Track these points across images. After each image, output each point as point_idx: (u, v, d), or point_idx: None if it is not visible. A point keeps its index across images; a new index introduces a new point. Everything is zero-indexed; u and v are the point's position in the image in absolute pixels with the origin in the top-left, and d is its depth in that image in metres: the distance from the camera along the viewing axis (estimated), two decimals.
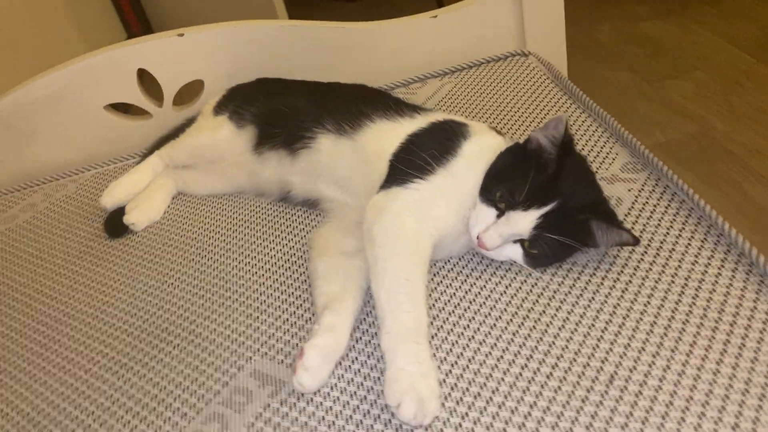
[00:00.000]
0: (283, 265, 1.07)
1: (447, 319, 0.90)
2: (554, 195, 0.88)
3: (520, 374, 0.80)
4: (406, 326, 0.83)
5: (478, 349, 0.84)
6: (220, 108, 1.30)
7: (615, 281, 0.88)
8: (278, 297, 1.00)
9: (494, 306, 0.90)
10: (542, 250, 0.90)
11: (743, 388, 0.71)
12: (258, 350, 0.92)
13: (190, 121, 1.37)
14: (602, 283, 0.88)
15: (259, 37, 1.45)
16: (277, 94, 1.27)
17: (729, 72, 2.60)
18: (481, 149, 1.00)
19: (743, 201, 1.98)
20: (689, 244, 0.90)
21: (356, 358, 0.87)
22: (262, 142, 1.20)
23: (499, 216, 0.90)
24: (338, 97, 1.21)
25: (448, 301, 0.92)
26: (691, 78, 2.63)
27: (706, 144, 2.26)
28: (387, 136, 1.06)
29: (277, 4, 3.22)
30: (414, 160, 0.98)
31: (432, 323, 0.89)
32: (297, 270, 1.05)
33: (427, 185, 0.96)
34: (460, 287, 0.94)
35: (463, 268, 0.98)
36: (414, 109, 1.13)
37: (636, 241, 0.87)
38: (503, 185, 0.91)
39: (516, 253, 0.92)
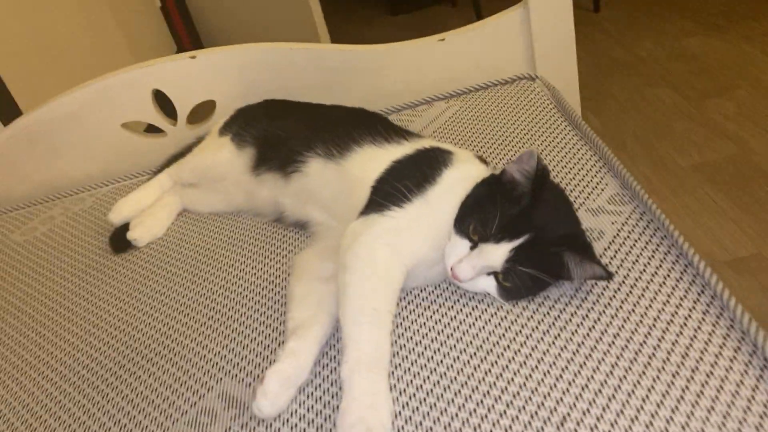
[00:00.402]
0: (267, 287, 1.09)
1: (413, 349, 0.90)
2: (527, 228, 0.87)
3: (474, 410, 0.79)
4: (366, 356, 0.83)
5: (438, 381, 0.84)
6: (224, 129, 1.34)
7: (584, 318, 0.87)
8: (257, 318, 1.03)
9: (461, 338, 0.89)
10: (515, 283, 0.89)
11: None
12: (229, 372, 0.94)
13: (200, 140, 1.41)
14: (570, 320, 0.87)
15: (270, 59, 1.49)
16: (277, 117, 1.30)
17: None
18: (460, 178, 0.99)
19: None
20: (664, 282, 0.88)
21: (320, 385, 0.88)
22: (260, 164, 1.23)
23: (472, 248, 0.90)
24: (331, 121, 1.23)
25: (417, 330, 0.93)
26: (733, 97, 2.55)
27: (743, 166, 2.18)
28: (372, 161, 1.07)
29: (317, 21, 3.29)
30: (394, 187, 0.99)
31: (398, 353, 0.90)
32: (279, 292, 1.07)
33: (404, 213, 0.96)
34: (431, 317, 0.94)
35: (438, 297, 0.98)
36: (403, 135, 1.13)
37: (609, 276, 0.85)
38: (475, 217, 0.90)
39: (490, 285, 0.92)
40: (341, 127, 1.17)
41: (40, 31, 2.18)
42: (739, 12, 3.16)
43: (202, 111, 1.56)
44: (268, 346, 0.97)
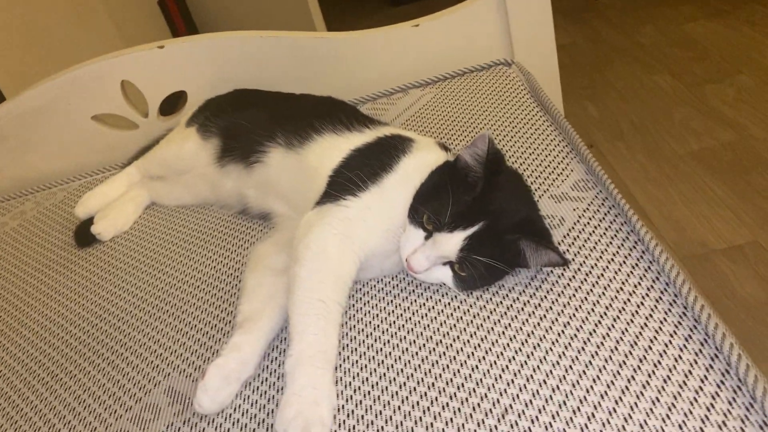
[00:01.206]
0: (225, 280, 1.06)
1: (363, 341, 0.87)
2: (480, 215, 0.83)
3: (417, 403, 0.76)
4: (311, 350, 0.80)
5: (384, 374, 0.81)
6: (191, 120, 1.31)
7: (536, 306, 0.83)
8: (211, 312, 1.00)
9: (411, 329, 0.86)
10: (470, 273, 0.86)
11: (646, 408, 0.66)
12: (178, 366, 0.92)
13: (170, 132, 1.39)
14: (523, 309, 0.84)
15: (240, 48, 1.46)
16: (244, 107, 1.27)
17: None
18: (417, 166, 0.96)
19: None
20: (619, 269, 0.84)
21: (266, 380, 0.86)
22: (224, 155, 1.20)
23: (427, 238, 0.87)
24: (295, 110, 1.20)
25: (369, 322, 0.90)
26: (733, 82, 2.48)
27: (742, 153, 2.13)
28: (331, 150, 1.04)
29: (313, 11, 3.26)
30: (350, 176, 0.96)
31: (347, 345, 0.87)
32: (236, 285, 1.04)
33: (358, 202, 0.93)
34: (384, 308, 0.91)
35: (393, 288, 0.94)
36: (366, 123, 1.10)
37: (565, 262, 0.82)
38: (429, 206, 0.87)
39: (446, 275, 0.88)
40: (304, 116, 1.14)
41: (30, 24, 2.18)
42: None
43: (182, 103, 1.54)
44: (220, 340, 0.95)
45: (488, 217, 0.83)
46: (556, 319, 0.80)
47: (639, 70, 2.75)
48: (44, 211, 1.43)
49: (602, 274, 0.84)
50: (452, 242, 0.84)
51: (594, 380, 0.72)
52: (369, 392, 0.79)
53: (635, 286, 0.81)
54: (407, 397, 0.77)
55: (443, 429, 0.72)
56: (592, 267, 0.86)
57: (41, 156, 1.52)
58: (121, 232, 1.27)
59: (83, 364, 0.97)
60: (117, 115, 1.50)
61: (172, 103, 1.57)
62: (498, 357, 0.78)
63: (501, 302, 0.86)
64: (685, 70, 2.65)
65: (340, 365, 0.84)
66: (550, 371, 0.74)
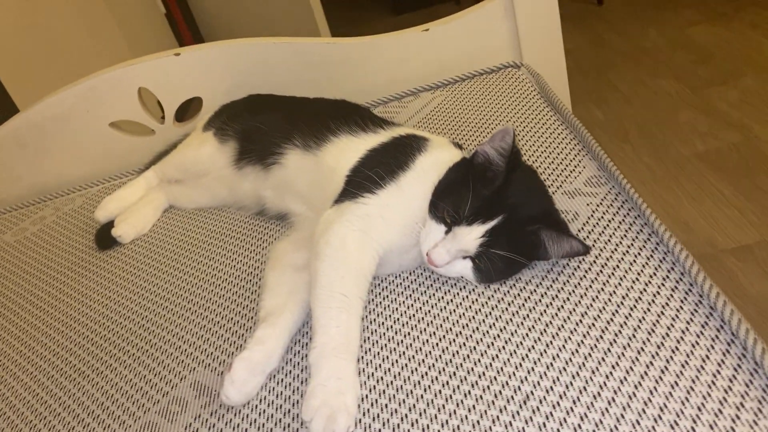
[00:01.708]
0: (246, 278, 1.09)
1: (384, 333, 0.89)
2: (500, 209, 0.86)
3: (440, 391, 0.78)
4: (334, 341, 0.82)
5: (406, 365, 0.83)
6: (208, 125, 1.34)
7: (554, 298, 0.85)
8: (233, 309, 1.02)
9: (431, 322, 0.88)
10: (490, 266, 0.88)
11: (665, 392, 0.68)
12: (203, 361, 0.94)
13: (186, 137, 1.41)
14: (540, 300, 0.86)
15: (254, 54, 1.49)
16: (260, 111, 1.30)
17: None
18: (433, 164, 0.98)
19: None
20: (634, 261, 0.86)
21: (290, 372, 0.88)
22: (241, 157, 1.23)
23: (447, 232, 0.89)
24: (311, 113, 1.23)
25: (389, 316, 0.92)
26: (737, 85, 2.51)
27: (747, 154, 2.15)
28: (347, 151, 1.07)
29: (319, 21, 3.31)
30: (367, 175, 0.98)
31: (369, 338, 0.89)
32: (257, 283, 1.07)
33: (376, 200, 0.96)
34: (403, 302, 0.93)
35: (412, 282, 0.97)
36: (380, 124, 1.13)
37: (587, 250, 0.84)
38: (448, 201, 0.89)
39: (466, 269, 0.90)
40: (320, 118, 1.16)
41: (43, 37, 2.22)
42: None
43: (196, 109, 1.56)
44: (242, 335, 0.97)
45: (507, 210, 0.85)
46: (574, 310, 0.82)
47: (643, 74, 2.78)
48: (63, 216, 1.45)
49: (618, 266, 0.86)
50: (472, 236, 0.86)
51: (613, 367, 0.73)
52: (392, 382, 0.81)
53: (651, 276, 0.83)
54: (429, 386, 0.79)
55: (466, 415, 0.74)
56: (608, 259, 0.88)
57: (60, 162, 1.55)
58: (141, 235, 1.30)
59: (110, 361, 0.99)
60: (134, 122, 1.53)
61: (186, 109, 1.60)
62: (517, 347, 0.80)
63: (518, 294, 0.88)
64: (689, 73, 2.68)
65: (362, 357, 0.86)
66: (570, 359, 0.76)
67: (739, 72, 2.58)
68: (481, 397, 0.75)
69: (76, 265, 1.26)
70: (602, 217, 0.96)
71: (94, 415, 0.91)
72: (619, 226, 0.93)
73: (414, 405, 0.77)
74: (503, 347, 0.81)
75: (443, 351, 0.83)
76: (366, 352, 0.87)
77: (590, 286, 0.85)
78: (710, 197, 2.01)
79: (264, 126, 1.22)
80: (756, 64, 2.60)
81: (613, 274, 0.85)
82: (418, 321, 0.89)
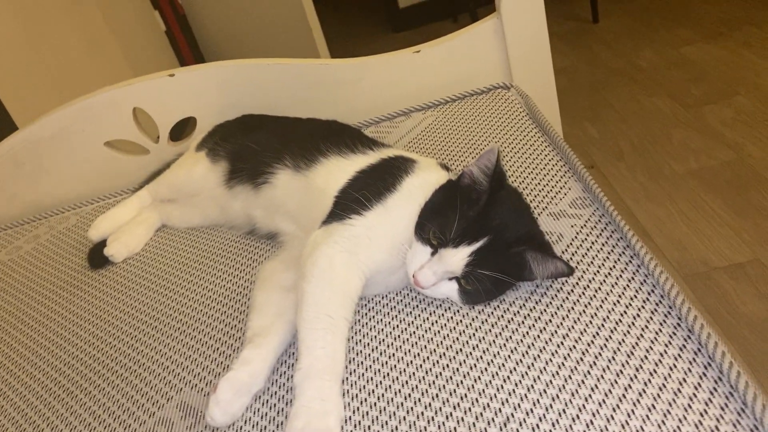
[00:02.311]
0: (235, 298, 1.10)
1: (369, 355, 0.90)
2: (485, 231, 0.87)
3: (422, 413, 0.79)
4: (320, 363, 0.83)
5: (390, 386, 0.84)
6: (201, 145, 1.35)
7: (536, 320, 0.86)
8: (222, 329, 1.03)
9: (416, 343, 0.89)
10: (476, 287, 0.88)
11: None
12: (190, 381, 0.95)
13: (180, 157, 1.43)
14: (523, 322, 0.86)
15: (248, 75, 1.51)
16: (252, 131, 1.31)
17: None
18: (420, 185, 1.00)
19: None
20: (616, 283, 0.87)
21: (275, 393, 0.88)
22: (232, 177, 1.24)
23: (433, 254, 0.90)
24: (302, 134, 1.24)
25: (375, 337, 0.93)
26: (731, 103, 2.53)
27: (741, 172, 2.16)
28: (337, 172, 1.08)
29: (317, 38, 3.34)
30: (355, 197, 1.00)
31: (353, 359, 0.90)
32: (246, 303, 1.07)
33: (363, 221, 0.97)
34: (389, 323, 0.94)
35: (398, 303, 0.97)
36: (370, 145, 1.14)
37: (571, 271, 0.85)
38: (434, 222, 0.90)
39: (452, 290, 0.91)
40: (310, 139, 1.18)
41: (43, 55, 2.24)
42: (740, 18, 3.15)
43: (191, 129, 1.58)
44: (230, 356, 0.97)
45: (493, 231, 0.86)
46: (555, 332, 0.83)
47: (638, 92, 2.80)
48: (58, 234, 1.46)
49: (599, 288, 0.87)
50: (458, 257, 0.87)
51: (592, 389, 0.74)
52: (375, 403, 0.82)
53: (631, 299, 0.84)
54: (412, 408, 0.80)
55: None
56: (590, 281, 0.89)
57: (55, 181, 1.57)
58: (133, 254, 1.31)
59: (98, 381, 1.00)
60: (129, 141, 1.55)
61: (181, 129, 1.62)
62: (499, 368, 0.81)
63: (502, 316, 0.89)
64: (684, 92, 2.70)
65: (347, 378, 0.87)
66: (550, 381, 0.77)
67: (732, 91, 2.60)
68: (462, 419, 0.76)
69: (68, 284, 1.27)
70: (585, 239, 0.97)
71: None
72: (601, 248, 0.94)
73: (396, 427, 0.78)
74: (485, 369, 0.81)
75: (426, 372, 0.84)
76: (351, 373, 0.87)
77: (572, 308, 0.86)
78: (704, 215, 2.02)
79: (255, 146, 1.23)
80: (749, 82, 2.62)
81: (594, 296, 0.86)
82: (403, 342, 0.90)
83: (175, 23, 3.53)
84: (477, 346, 0.85)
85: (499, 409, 0.76)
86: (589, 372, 0.76)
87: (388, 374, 0.86)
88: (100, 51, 2.71)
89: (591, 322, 0.83)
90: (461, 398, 0.79)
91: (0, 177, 1.54)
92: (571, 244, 0.97)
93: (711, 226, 1.96)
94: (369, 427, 0.79)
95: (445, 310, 0.93)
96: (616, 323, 0.81)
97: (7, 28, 2.09)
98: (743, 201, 2.03)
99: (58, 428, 0.94)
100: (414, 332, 0.91)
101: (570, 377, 0.76)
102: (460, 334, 0.88)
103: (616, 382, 0.74)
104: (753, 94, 2.54)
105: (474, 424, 0.75)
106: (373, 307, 0.98)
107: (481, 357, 0.83)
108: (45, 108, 1.51)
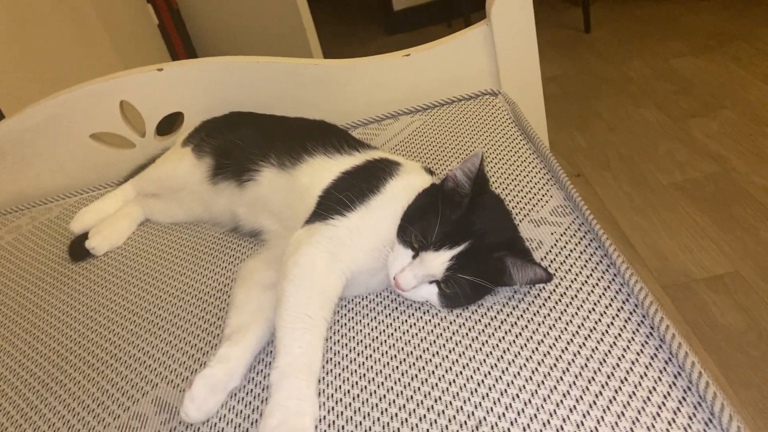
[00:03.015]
0: (215, 295, 1.10)
1: (346, 355, 0.90)
2: (466, 235, 0.87)
3: (396, 414, 0.79)
4: (297, 362, 0.83)
5: (365, 387, 0.84)
6: (187, 140, 1.35)
7: (512, 325, 0.87)
8: (200, 326, 1.03)
9: (393, 345, 0.90)
10: (456, 291, 0.89)
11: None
12: (166, 377, 0.95)
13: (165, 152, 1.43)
14: (500, 327, 0.87)
15: (237, 72, 1.51)
16: (238, 128, 1.31)
17: (758, 112, 2.52)
18: (403, 188, 1.00)
19: (756, 246, 1.90)
20: (592, 291, 0.88)
21: (251, 391, 0.89)
22: (217, 173, 1.24)
23: (414, 257, 0.90)
24: (288, 132, 1.24)
25: (353, 337, 0.93)
26: (717, 116, 2.55)
27: (724, 185, 2.18)
28: (321, 172, 1.08)
29: (311, 38, 3.34)
30: (339, 197, 1.00)
31: (330, 359, 0.90)
32: (225, 300, 1.08)
33: (346, 222, 0.97)
34: (368, 324, 0.95)
35: (377, 304, 0.98)
36: (356, 146, 1.15)
37: (550, 277, 0.86)
38: (416, 226, 0.91)
39: (432, 293, 0.92)
40: (296, 138, 1.18)
41: (33, 46, 2.23)
42: (729, 33, 3.18)
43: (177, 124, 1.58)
44: (208, 352, 0.98)
45: (474, 236, 0.87)
46: (531, 338, 0.84)
47: (627, 102, 2.82)
48: (40, 225, 1.46)
49: (576, 295, 0.88)
50: (439, 261, 0.87)
51: (564, 395, 0.75)
52: (350, 403, 0.82)
53: (606, 307, 0.85)
54: (386, 409, 0.80)
55: None
56: (567, 288, 0.90)
57: (39, 172, 1.56)
58: (114, 248, 1.31)
59: (74, 373, 1.00)
60: (115, 134, 1.55)
61: (169, 124, 1.61)
62: (474, 372, 0.82)
63: (479, 321, 0.89)
64: (671, 104, 2.73)
65: (324, 378, 0.87)
66: (523, 386, 0.78)
67: (719, 104, 2.62)
68: (435, 421, 0.77)
69: (48, 276, 1.27)
70: (564, 247, 0.98)
71: (54, 429, 0.91)
72: (579, 257, 0.95)
73: (370, 428, 0.78)
74: (460, 372, 0.82)
75: (402, 374, 0.84)
76: (327, 373, 0.88)
77: (548, 315, 0.86)
78: (686, 227, 2.04)
79: (241, 142, 1.24)
80: (736, 97, 2.65)
81: (570, 303, 0.87)
82: (380, 344, 0.90)
83: (169, 17, 3.51)
84: (453, 349, 0.86)
85: (472, 412, 0.77)
86: (561, 378, 0.77)
87: (364, 375, 0.86)
88: (91, 43, 2.70)
89: (566, 329, 0.83)
90: (435, 401, 0.79)
91: None
92: (550, 251, 0.98)
93: (693, 238, 1.98)
94: (343, 427, 0.80)
95: (424, 313, 0.94)
96: (590, 331, 0.82)
97: None
98: (725, 214, 2.05)
99: (30, 419, 0.94)
100: (392, 334, 0.92)
101: (543, 383, 0.77)
102: (437, 337, 0.89)
103: (588, 389, 0.75)
104: (739, 108, 2.56)
105: (447, 426, 0.76)
106: (352, 308, 0.99)
107: (457, 360, 0.84)
108: (33, 98, 1.51)
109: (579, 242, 0.98)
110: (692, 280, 1.83)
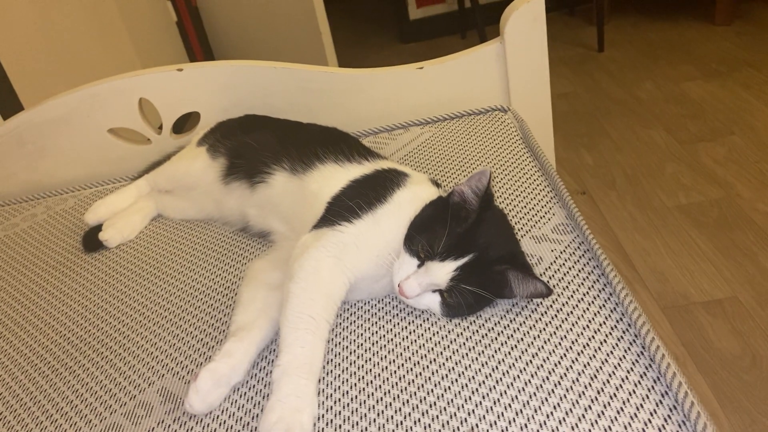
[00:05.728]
0: (222, 292, 1.13)
1: (346, 357, 0.93)
2: (471, 247, 0.91)
3: (392, 417, 0.82)
4: (298, 361, 0.87)
5: (363, 389, 0.87)
6: (202, 140, 1.39)
7: (509, 337, 0.90)
8: (207, 321, 1.07)
9: (392, 350, 0.93)
10: (458, 301, 0.92)
11: None
12: (172, 369, 0.98)
13: (181, 149, 1.46)
14: (497, 338, 0.90)
15: (254, 76, 1.54)
16: (253, 130, 1.35)
17: (765, 139, 2.54)
18: (410, 199, 1.04)
19: (756, 272, 1.92)
20: (587, 308, 0.91)
21: (254, 386, 0.92)
22: (230, 173, 1.28)
23: (420, 266, 0.94)
24: (302, 138, 1.28)
25: (354, 340, 0.96)
26: (725, 142, 2.57)
27: (728, 211, 2.20)
28: (331, 179, 1.12)
29: (326, 44, 3.38)
30: (347, 204, 1.03)
31: (331, 360, 0.93)
32: (232, 297, 1.11)
33: (353, 229, 1.00)
34: (369, 328, 0.98)
35: (379, 310, 1.01)
36: (365, 155, 1.18)
37: (549, 292, 0.89)
38: (423, 236, 0.94)
39: (434, 302, 0.95)
40: (309, 144, 1.21)
41: (54, 40, 2.28)
42: (741, 59, 3.21)
43: (192, 123, 1.62)
44: (213, 347, 1.01)
45: (478, 249, 0.91)
46: (525, 350, 0.87)
47: (635, 123, 2.85)
48: (54, 215, 1.50)
49: (571, 312, 0.91)
50: (443, 271, 0.91)
51: (554, 407, 0.78)
52: (348, 404, 0.85)
53: (600, 325, 0.88)
54: (383, 411, 0.83)
55: None
56: (563, 305, 0.93)
57: (56, 163, 1.60)
58: (127, 240, 1.34)
59: (83, 361, 1.03)
60: (132, 130, 1.59)
61: (184, 122, 1.65)
62: (469, 381, 0.85)
63: (477, 331, 0.92)
64: (680, 127, 2.75)
65: (324, 378, 0.90)
66: (515, 397, 0.81)
67: (727, 130, 2.65)
68: (428, 425, 0.80)
69: (60, 264, 1.30)
70: (563, 264, 1.01)
71: (62, 412, 0.94)
72: (578, 274, 0.98)
73: (366, 428, 0.81)
74: (455, 380, 0.85)
75: (399, 379, 0.87)
76: (327, 374, 0.91)
77: (543, 329, 0.89)
78: (688, 250, 2.06)
79: (255, 145, 1.27)
80: (745, 123, 2.67)
81: (565, 319, 0.90)
82: (380, 348, 0.94)
83: (187, 15, 3.56)
84: (450, 357, 0.89)
85: (465, 419, 0.79)
86: (552, 391, 0.80)
87: (363, 377, 0.89)
88: (110, 37, 2.75)
89: (559, 345, 0.86)
90: (430, 406, 0.82)
91: (1, 155, 1.57)
92: (549, 267, 1.01)
93: (694, 261, 2.01)
94: (340, 426, 0.83)
95: (424, 320, 0.97)
96: (583, 347, 0.85)
97: (21, 11, 2.12)
98: (727, 239, 2.07)
99: (39, 402, 0.97)
100: (392, 339, 0.95)
101: (534, 394, 0.80)
102: (436, 344, 0.92)
103: (577, 403, 0.78)
104: (747, 135, 2.59)
105: (440, 431, 0.79)
106: (354, 312, 1.02)
107: (453, 368, 0.87)
108: (52, 90, 1.55)
109: (578, 260, 1.01)
110: (691, 302, 1.85)
